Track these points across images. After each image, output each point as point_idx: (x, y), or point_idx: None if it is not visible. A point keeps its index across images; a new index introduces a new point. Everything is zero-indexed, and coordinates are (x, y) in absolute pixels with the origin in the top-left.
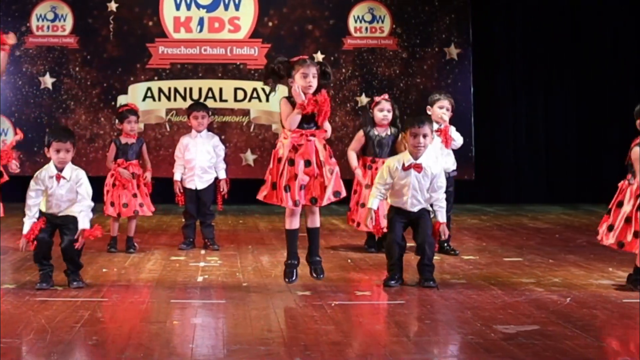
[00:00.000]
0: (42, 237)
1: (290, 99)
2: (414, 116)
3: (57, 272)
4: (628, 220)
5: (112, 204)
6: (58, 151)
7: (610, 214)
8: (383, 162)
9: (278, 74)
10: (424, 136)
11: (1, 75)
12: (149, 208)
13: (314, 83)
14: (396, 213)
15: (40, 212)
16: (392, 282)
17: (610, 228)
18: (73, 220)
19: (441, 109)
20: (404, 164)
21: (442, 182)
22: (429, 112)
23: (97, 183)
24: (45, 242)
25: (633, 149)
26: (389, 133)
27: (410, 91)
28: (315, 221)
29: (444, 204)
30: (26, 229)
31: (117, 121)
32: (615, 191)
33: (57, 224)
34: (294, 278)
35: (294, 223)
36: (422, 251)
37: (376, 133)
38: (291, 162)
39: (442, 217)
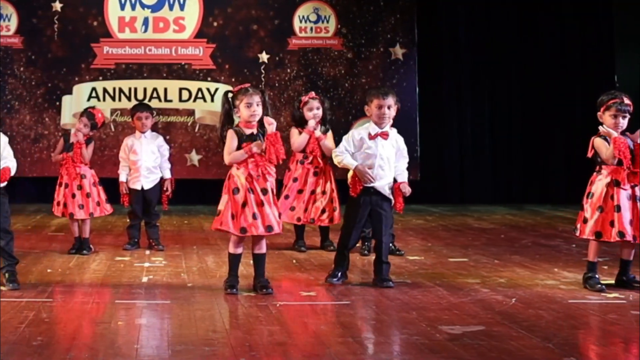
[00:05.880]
0: None
1: (237, 130)
2: (377, 87)
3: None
4: (601, 210)
5: (59, 204)
6: None
7: (584, 208)
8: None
9: (230, 109)
10: (389, 107)
11: None
12: (86, 211)
13: (259, 111)
14: (358, 203)
15: None
16: (335, 279)
17: (585, 220)
18: None
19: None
20: (369, 134)
21: (406, 153)
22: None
23: (42, 183)
24: None
25: (594, 141)
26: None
27: (356, 91)
28: (262, 247)
29: (405, 170)
30: None
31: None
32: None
33: None
34: (234, 290)
35: (238, 248)
36: (379, 249)
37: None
38: (236, 190)
39: (402, 178)
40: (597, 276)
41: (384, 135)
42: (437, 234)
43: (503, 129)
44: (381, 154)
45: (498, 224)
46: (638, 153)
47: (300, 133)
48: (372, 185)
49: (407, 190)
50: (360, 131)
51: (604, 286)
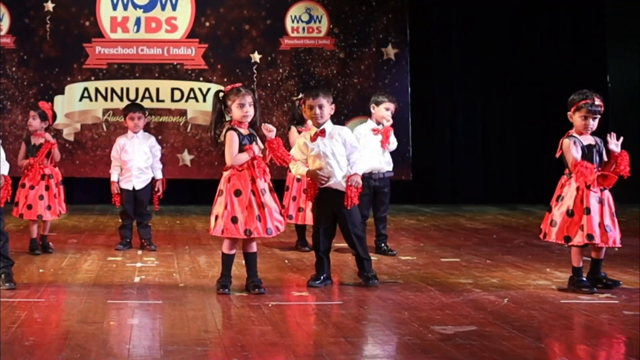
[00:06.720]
0: None
1: (236, 130)
2: (309, 89)
3: None
4: (570, 214)
5: (17, 204)
6: None
7: (552, 210)
8: None
9: (222, 109)
10: (320, 107)
11: None
12: (53, 212)
13: (251, 111)
14: (319, 204)
15: None
16: (317, 282)
17: (553, 224)
18: None
19: (387, 111)
20: (310, 136)
21: (355, 143)
22: (372, 111)
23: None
24: None
25: (563, 142)
26: None
27: (348, 91)
28: (253, 246)
29: (358, 160)
30: None
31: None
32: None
33: None
34: (227, 290)
35: (233, 249)
36: (353, 246)
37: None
38: (238, 192)
39: (354, 169)
40: (584, 279)
41: (322, 134)
42: (429, 234)
43: (495, 129)
44: (325, 153)
45: (490, 224)
46: (615, 161)
47: (299, 132)
48: (327, 185)
49: (355, 182)
50: (304, 136)
51: (595, 288)
